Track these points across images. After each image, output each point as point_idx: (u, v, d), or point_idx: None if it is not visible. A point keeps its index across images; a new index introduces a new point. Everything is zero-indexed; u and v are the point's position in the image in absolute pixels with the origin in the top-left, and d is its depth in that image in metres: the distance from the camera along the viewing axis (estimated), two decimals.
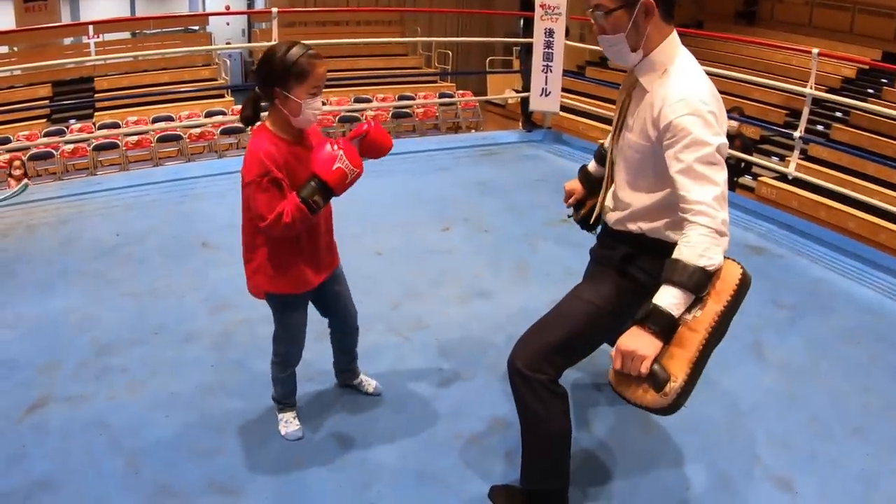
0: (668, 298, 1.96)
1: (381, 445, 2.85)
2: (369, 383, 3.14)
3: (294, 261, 2.56)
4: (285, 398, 2.91)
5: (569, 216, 2.88)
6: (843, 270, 4.56)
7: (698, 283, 1.95)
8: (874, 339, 3.75)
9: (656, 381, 1.92)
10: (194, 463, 2.71)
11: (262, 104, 2.48)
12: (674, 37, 2.19)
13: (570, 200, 2.84)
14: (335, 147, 2.36)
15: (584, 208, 2.79)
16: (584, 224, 2.81)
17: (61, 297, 3.86)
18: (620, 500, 2.62)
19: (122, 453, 2.74)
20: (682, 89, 2.09)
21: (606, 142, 2.75)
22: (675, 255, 1.98)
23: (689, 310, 1.99)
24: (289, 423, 2.88)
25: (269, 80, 2.34)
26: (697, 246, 1.95)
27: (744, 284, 2.01)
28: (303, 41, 2.38)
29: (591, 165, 2.78)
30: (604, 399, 3.16)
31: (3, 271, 4.14)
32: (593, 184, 2.72)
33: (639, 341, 1.95)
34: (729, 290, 1.99)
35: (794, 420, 3.08)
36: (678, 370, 1.93)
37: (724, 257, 2.03)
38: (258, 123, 2.49)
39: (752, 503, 2.62)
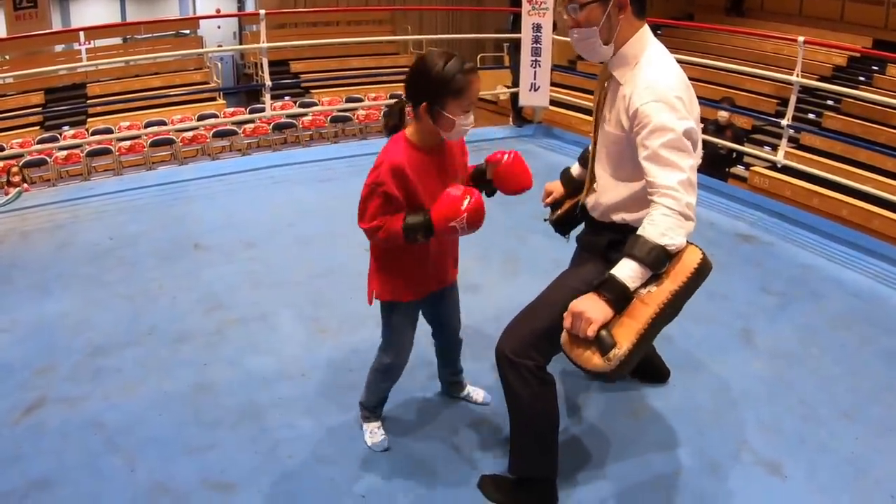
0: (626, 271, 2.01)
1: None
2: (477, 393, 3.09)
3: (410, 269, 2.53)
4: (375, 408, 2.86)
5: (545, 219, 2.90)
6: (834, 257, 4.59)
7: (656, 259, 2.00)
8: (864, 324, 3.77)
9: (602, 345, 1.97)
10: (188, 460, 2.73)
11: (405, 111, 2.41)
12: (645, 30, 2.25)
13: (548, 200, 2.86)
14: (467, 201, 2.25)
15: (561, 209, 2.81)
16: (558, 226, 2.84)
17: (56, 300, 3.88)
18: (610, 488, 2.64)
19: (117, 452, 2.76)
20: (650, 78, 2.14)
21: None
22: (639, 231, 2.04)
23: (644, 285, 2.03)
24: (374, 434, 2.83)
25: (422, 95, 2.25)
26: (660, 225, 2.01)
27: (702, 269, 2.05)
28: (455, 54, 2.26)
29: (575, 168, 2.80)
30: (592, 387, 3.18)
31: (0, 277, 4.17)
32: (574, 186, 2.75)
33: (590, 304, 2.00)
34: (686, 272, 2.04)
35: (784, 405, 3.10)
36: (624, 339, 1.97)
37: (688, 242, 2.07)
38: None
39: (741, 488, 2.64)
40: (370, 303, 2.61)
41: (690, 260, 2.05)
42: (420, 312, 2.74)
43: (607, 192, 2.38)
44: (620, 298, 2.00)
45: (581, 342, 2.02)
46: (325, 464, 2.73)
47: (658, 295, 2.02)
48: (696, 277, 2.04)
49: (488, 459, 2.75)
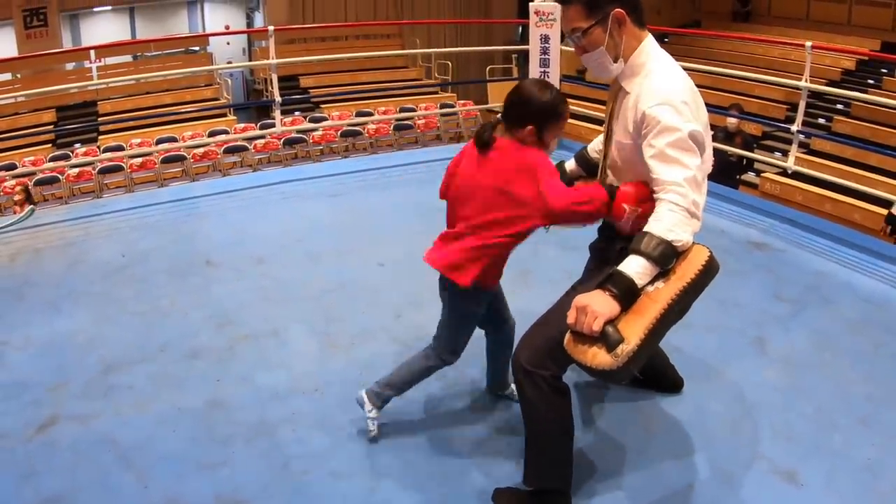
0: (633, 266, 2.00)
1: (385, 452, 2.86)
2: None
3: (504, 259, 2.66)
4: (387, 399, 2.89)
5: None
6: (847, 262, 4.56)
7: (663, 255, 1.99)
8: (878, 329, 3.74)
9: (608, 341, 1.92)
10: (202, 476, 2.73)
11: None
12: (648, 40, 2.30)
13: None
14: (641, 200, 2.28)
15: None
16: None
17: (68, 318, 3.90)
18: (624, 498, 2.62)
19: (130, 469, 2.77)
20: (656, 84, 2.18)
21: (591, 145, 2.80)
22: (646, 228, 2.03)
23: (651, 282, 2.01)
24: (375, 429, 2.90)
25: (527, 119, 2.44)
26: (666, 221, 2.00)
27: (709, 268, 2.05)
28: (551, 84, 2.51)
29: (569, 164, 2.82)
30: (605, 397, 3.17)
31: (12, 294, 4.18)
32: (566, 182, 2.74)
33: (595, 299, 1.98)
34: (694, 270, 2.02)
35: (798, 412, 3.08)
36: (632, 334, 1.94)
37: (695, 242, 2.07)
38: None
39: (757, 497, 2.62)
40: (467, 283, 2.56)
41: (698, 258, 2.04)
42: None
43: None
44: (627, 294, 1.98)
45: (586, 340, 1.99)
46: (339, 479, 2.72)
47: (666, 291, 1.99)
48: (704, 276, 2.03)
49: (504, 472, 2.73)
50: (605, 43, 2.23)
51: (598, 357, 1.95)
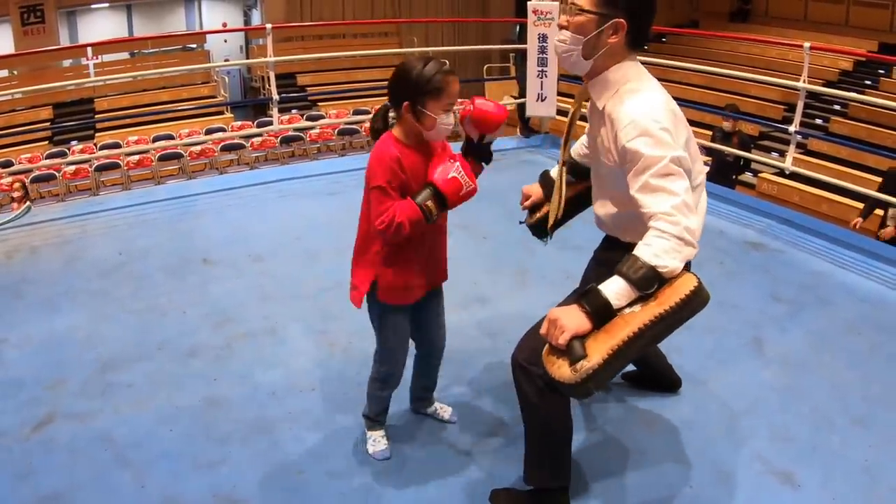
0: (611, 287, 1.97)
1: None
2: (444, 410, 3.06)
3: (404, 271, 2.54)
4: (377, 416, 2.86)
5: (521, 222, 2.89)
6: (843, 263, 4.57)
7: (643, 279, 1.95)
8: (875, 330, 3.75)
9: (572, 355, 1.92)
10: (199, 475, 2.73)
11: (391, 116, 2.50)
12: (635, 64, 2.21)
13: (526, 203, 2.86)
14: (452, 161, 2.37)
15: (539, 212, 2.80)
16: (536, 230, 2.82)
17: (66, 316, 3.89)
18: (621, 498, 2.63)
19: (128, 467, 2.76)
20: (632, 112, 2.09)
21: (573, 148, 2.75)
22: (634, 252, 1.99)
23: (630, 305, 1.98)
24: (377, 442, 2.84)
25: (404, 95, 2.35)
26: (654, 247, 1.95)
27: (695, 298, 1.97)
28: (434, 58, 2.41)
29: (554, 171, 2.76)
30: (602, 399, 3.17)
31: (9, 293, 4.18)
32: (552, 189, 2.73)
33: (567, 314, 1.97)
34: (676, 298, 1.96)
35: (796, 413, 3.08)
36: (596, 352, 1.91)
37: (687, 271, 2.03)
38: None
39: (754, 498, 2.62)
40: (359, 306, 2.60)
41: (683, 287, 1.98)
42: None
43: (609, 214, 2.38)
44: (600, 313, 1.95)
45: (556, 352, 1.98)
46: (336, 478, 2.72)
47: (641, 316, 1.95)
48: (686, 305, 1.96)
49: (502, 472, 2.73)
50: (588, 36, 2.14)
51: (561, 370, 1.94)
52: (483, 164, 2.56)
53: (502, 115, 2.46)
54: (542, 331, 2.01)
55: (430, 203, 2.34)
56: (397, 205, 2.34)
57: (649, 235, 1.99)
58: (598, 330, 1.97)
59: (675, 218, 1.96)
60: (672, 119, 2.11)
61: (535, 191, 2.83)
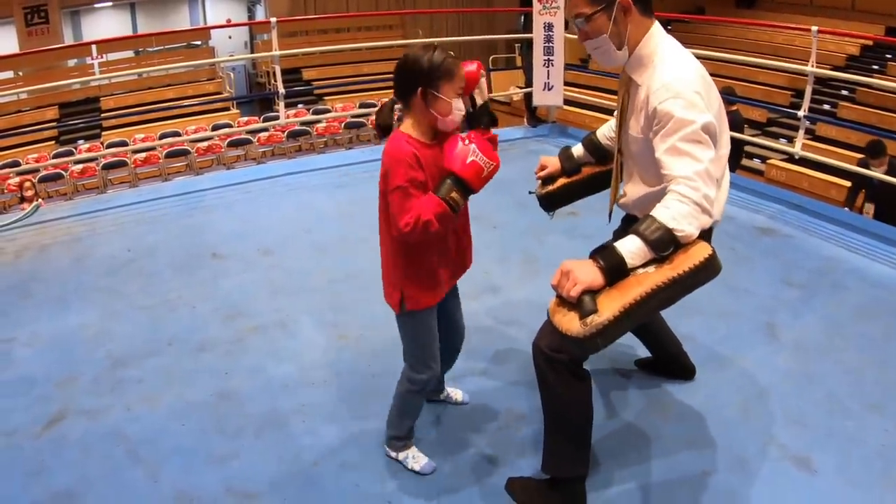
0: (627, 245, 1.99)
1: None
2: (456, 393, 3.04)
3: (431, 274, 2.46)
4: (409, 432, 2.73)
5: (530, 192, 2.87)
6: (855, 248, 4.53)
7: (659, 240, 1.97)
8: (888, 314, 3.72)
9: (582, 308, 1.92)
10: (212, 469, 2.72)
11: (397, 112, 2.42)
12: (655, 28, 2.27)
13: (542, 173, 2.86)
14: (466, 142, 2.27)
15: (553, 185, 2.80)
16: (545, 202, 2.81)
17: (76, 313, 3.90)
18: (638, 485, 2.61)
19: (140, 463, 2.76)
20: (665, 76, 2.15)
21: (601, 130, 2.78)
22: (651, 213, 2.01)
23: (644, 265, 1.99)
24: (418, 458, 2.70)
25: (416, 83, 2.27)
26: (672, 210, 1.98)
27: (708, 265, 1.99)
28: (437, 45, 2.37)
29: (577, 149, 2.80)
30: (618, 385, 3.15)
31: (19, 291, 4.18)
32: (573, 166, 2.74)
33: (581, 267, 1.98)
34: (689, 264, 1.98)
35: (810, 398, 3.06)
36: (607, 308, 1.92)
37: (702, 239, 2.04)
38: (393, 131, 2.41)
39: (770, 483, 2.61)
40: (398, 311, 2.51)
41: (698, 254, 2.00)
42: None
43: (637, 192, 2.38)
44: (614, 269, 1.97)
45: (565, 306, 1.98)
46: (350, 469, 2.71)
47: (654, 277, 1.97)
48: (700, 272, 1.98)
49: (517, 460, 2.72)
50: (609, 30, 2.21)
51: (570, 323, 1.94)
52: (491, 128, 2.52)
53: (474, 65, 2.47)
54: (554, 282, 2.01)
55: (454, 195, 2.26)
56: (420, 202, 2.25)
57: (668, 198, 2.00)
58: (611, 287, 1.98)
59: (696, 184, 1.98)
60: (704, 85, 2.16)
61: (553, 163, 2.84)
